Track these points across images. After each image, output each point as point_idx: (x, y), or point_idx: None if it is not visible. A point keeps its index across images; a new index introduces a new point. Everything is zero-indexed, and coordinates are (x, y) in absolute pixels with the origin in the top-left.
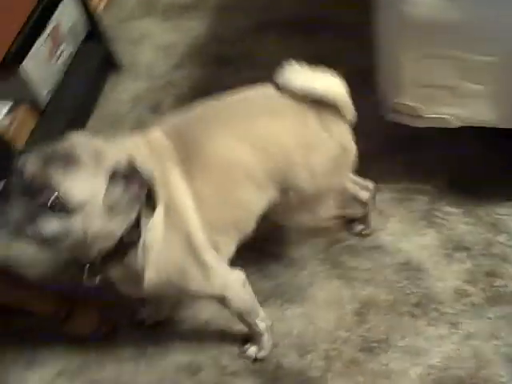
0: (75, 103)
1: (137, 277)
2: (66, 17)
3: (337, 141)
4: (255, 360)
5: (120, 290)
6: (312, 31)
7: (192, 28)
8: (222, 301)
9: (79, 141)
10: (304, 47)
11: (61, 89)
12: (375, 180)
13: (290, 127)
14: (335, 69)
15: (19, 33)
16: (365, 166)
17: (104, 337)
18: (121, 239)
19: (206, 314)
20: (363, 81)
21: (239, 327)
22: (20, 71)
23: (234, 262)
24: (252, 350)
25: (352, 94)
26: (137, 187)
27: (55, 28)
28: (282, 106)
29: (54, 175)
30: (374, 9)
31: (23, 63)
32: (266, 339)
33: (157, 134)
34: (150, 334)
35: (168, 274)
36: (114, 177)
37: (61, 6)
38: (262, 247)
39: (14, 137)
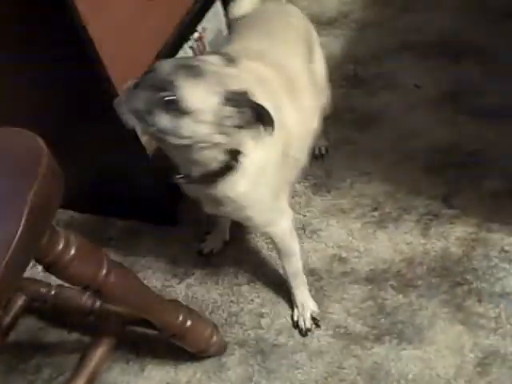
0: None
1: (224, 200)
2: (211, 25)
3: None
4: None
5: (204, 207)
6: (459, 55)
7: (327, 45)
8: (281, 240)
9: (211, 60)
10: (445, 71)
11: None
12: (510, 223)
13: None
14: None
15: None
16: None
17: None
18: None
19: None
20: (507, 115)
21: None
22: None
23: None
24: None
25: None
26: (247, 115)
27: (200, 37)
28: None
29: (179, 78)
30: None
31: None
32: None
33: (255, 65)
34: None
35: (253, 203)
36: (228, 99)
37: (209, 14)
38: (380, 280)
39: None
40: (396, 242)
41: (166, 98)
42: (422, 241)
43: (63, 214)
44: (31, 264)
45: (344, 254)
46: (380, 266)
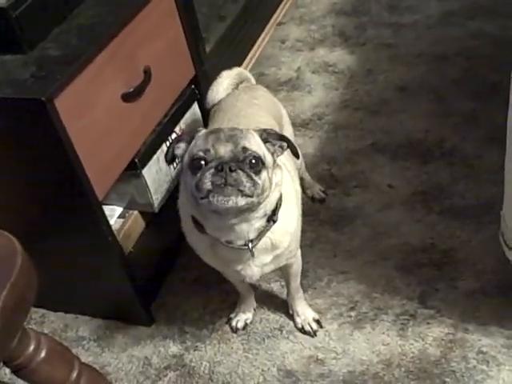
0: None
1: (280, 239)
2: (189, 126)
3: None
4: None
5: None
6: (428, 156)
7: (302, 146)
8: (295, 262)
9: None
10: (415, 172)
11: (171, 196)
12: (486, 323)
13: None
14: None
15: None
16: (473, 305)
17: None
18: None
19: None
20: (476, 214)
21: None
22: (142, 175)
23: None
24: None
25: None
26: (280, 146)
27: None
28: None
29: (242, 142)
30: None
31: (145, 168)
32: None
33: None
34: None
35: (296, 230)
36: (265, 137)
37: (187, 115)
38: (358, 383)
39: (124, 239)
40: (373, 343)
41: (253, 161)
42: (400, 342)
43: (35, 312)
44: None
45: (321, 356)
46: (358, 368)
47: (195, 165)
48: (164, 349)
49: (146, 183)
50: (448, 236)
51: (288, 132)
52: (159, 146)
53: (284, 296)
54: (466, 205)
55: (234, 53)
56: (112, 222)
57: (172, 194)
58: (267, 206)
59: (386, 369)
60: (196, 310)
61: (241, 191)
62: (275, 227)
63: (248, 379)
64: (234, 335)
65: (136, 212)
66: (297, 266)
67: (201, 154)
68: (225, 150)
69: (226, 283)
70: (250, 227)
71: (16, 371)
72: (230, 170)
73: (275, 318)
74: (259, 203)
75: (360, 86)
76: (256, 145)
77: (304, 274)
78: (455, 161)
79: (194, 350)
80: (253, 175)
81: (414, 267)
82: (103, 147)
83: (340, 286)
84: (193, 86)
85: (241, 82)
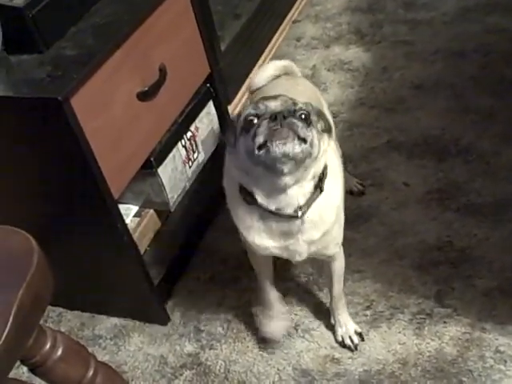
0: (198, 210)
1: (327, 214)
2: (205, 126)
3: None
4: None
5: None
6: (444, 154)
7: None
8: (338, 257)
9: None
10: (431, 170)
11: (187, 195)
12: (503, 322)
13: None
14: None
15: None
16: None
17: None
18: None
19: None
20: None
21: None
22: (158, 174)
23: None
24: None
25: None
26: (324, 122)
27: (193, 136)
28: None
29: (292, 99)
30: None
31: (161, 166)
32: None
33: None
34: None
35: (340, 210)
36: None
37: (202, 114)
38: (374, 382)
39: (139, 238)
40: (390, 342)
41: (303, 116)
42: (416, 341)
43: (52, 311)
44: (16, 364)
45: (337, 355)
46: (374, 367)
47: (248, 123)
48: (180, 347)
49: (162, 182)
50: (465, 234)
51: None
52: (174, 144)
53: (300, 294)
54: (483, 202)
55: (249, 51)
56: (128, 220)
57: (187, 193)
58: (316, 168)
59: (402, 368)
60: (211, 308)
61: (296, 134)
62: (322, 198)
63: (263, 378)
64: (249, 333)
65: (152, 211)
66: (340, 262)
67: (252, 111)
68: (275, 105)
69: (240, 281)
70: (300, 190)
71: (33, 369)
72: (284, 118)
73: (290, 317)
74: (311, 155)
75: (375, 84)
76: (304, 104)
77: (319, 272)
78: (472, 158)
79: (210, 349)
80: (305, 125)
81: (431, 266)
82: (119, 146)
83: (356, 285)
84: (208, 85)
85: (286, 74)
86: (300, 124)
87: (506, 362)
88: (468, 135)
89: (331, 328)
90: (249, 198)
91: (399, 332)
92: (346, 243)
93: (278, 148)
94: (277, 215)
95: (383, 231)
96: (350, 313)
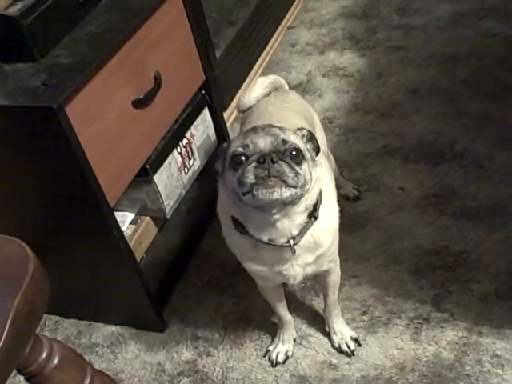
0: (194, 217)
1: (322, 237)
2: (200, 132)
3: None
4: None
5: (292, 278)
6: (439, 158)
7: None
8: (334, 270)
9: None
10: (427, 174)
11: (183, 202)
12: (500, 326)
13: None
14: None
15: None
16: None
17: None
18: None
19: None
20: (489, 216)
21: None
22: (154, 181)
23: None
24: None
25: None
26: (315, 145)
27: (188, 143)
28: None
29: (281, 135)
30: None
31: (157, 174)
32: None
33: None
34: None
35: (336, 229)
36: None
37: (197, 121)
38: None
39: (135, 246)
40: (387, 348)
41: (293, 153)
42: (413, 346)
43: (49, 319)
44: (12, 374)
45: (334, 361)
46: (371, 373)
47: (236, 161)
48: (177, 355)
49: (158, 189)
50: (461, 238)
51: (320, 135)
52: (170, 151)
53: (297, 300)
54: (479, 206)
55: (244, 58)
56: (124, 228)
57: (183, 200)
58: (308, 200)
59: (399, 373)
60: (208, 314)
61: (284, 182)
62: (317, 224)
63: None
64: (247, 340)
65: (148, 218)
66: (336, 275)
67: (240, 149)
68: (264, 143)
69: (238, 287)
70: (292, 223)
71: (29, 378)
72: (272, 162)
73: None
74: (302, 195)
75: (371, 89)
76: (294, 138)
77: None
78: (467, 162)
79: (207, 356)
80: (295, 166)
81: (427, 270)
82: (114, 154)
83: (352, 290)
84: (203, 92)
85: (275, 89)
86: (288, 169)
87: (503, 366)
88: (463, 139)
89: (328, 334)
90: (241, 228)
91: (396, 337)
92: (343, 248)
93: (264, 196)
94: (270, 245)
95: (379, 236)
96: (347, 318)
